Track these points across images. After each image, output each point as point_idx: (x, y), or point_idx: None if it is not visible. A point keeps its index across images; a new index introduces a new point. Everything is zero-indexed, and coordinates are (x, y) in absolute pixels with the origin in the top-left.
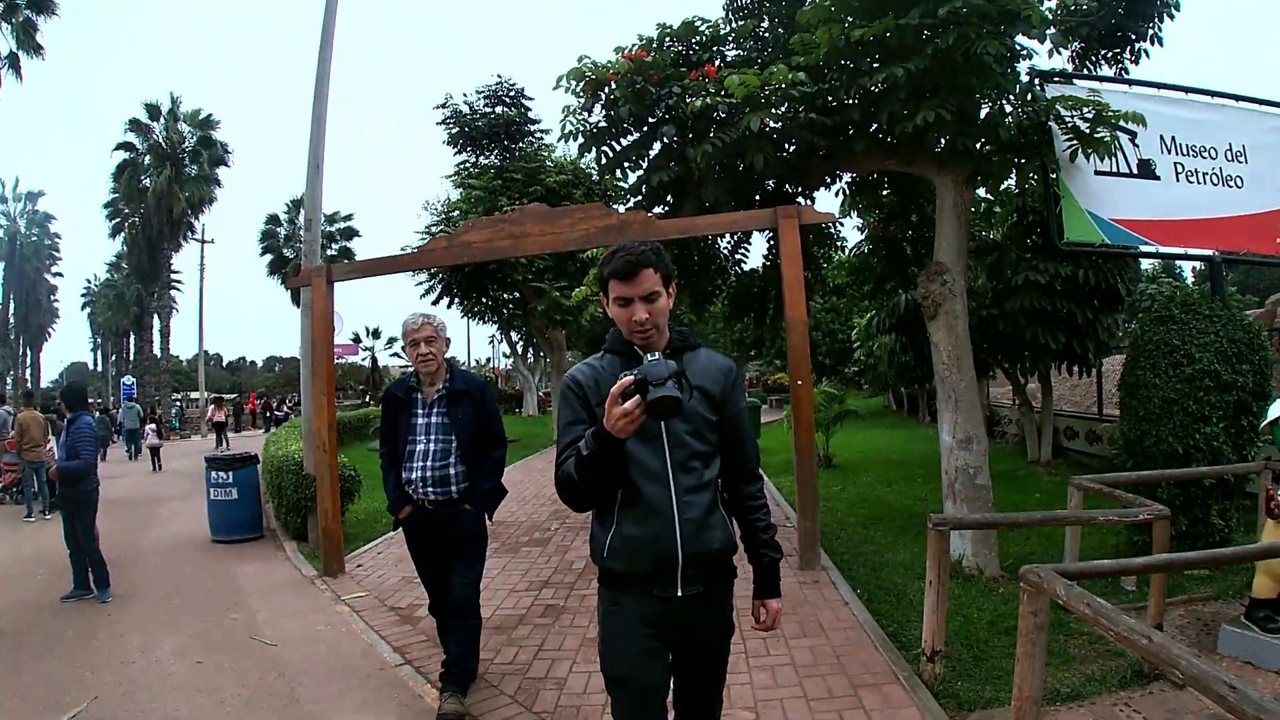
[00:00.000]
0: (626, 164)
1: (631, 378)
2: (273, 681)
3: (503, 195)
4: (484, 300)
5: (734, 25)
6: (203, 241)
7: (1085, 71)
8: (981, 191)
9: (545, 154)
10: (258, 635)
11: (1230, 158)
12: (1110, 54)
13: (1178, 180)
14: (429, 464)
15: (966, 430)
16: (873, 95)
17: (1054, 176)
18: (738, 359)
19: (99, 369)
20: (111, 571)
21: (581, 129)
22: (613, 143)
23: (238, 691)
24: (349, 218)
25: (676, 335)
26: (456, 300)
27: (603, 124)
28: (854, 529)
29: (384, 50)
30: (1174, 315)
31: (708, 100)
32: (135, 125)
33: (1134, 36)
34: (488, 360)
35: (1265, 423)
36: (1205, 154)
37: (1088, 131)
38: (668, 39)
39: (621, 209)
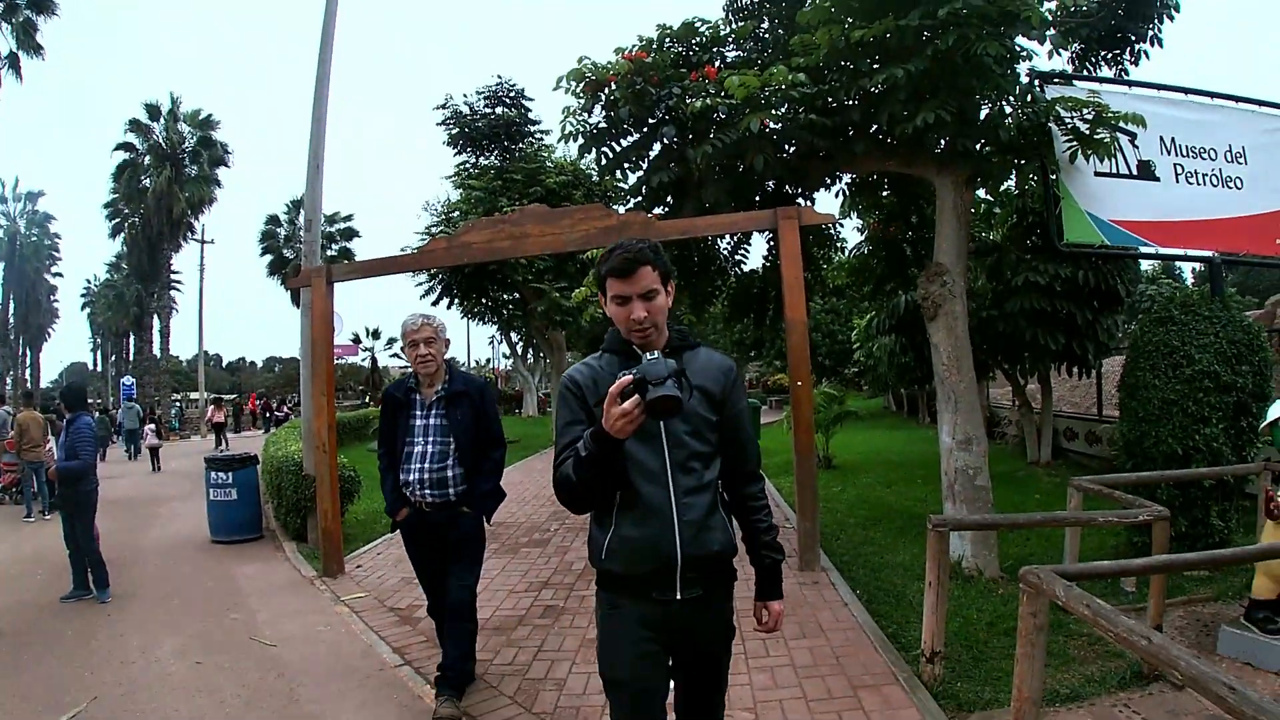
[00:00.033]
0: (626, 165)
1: (630, 377)
2: (272, 682)
3: (503, 196)
4: (484, 301)
5: (734, 26)
6: (202, 242)
7: (1085, 73)
8: (981, 193)
9: (545, 155)
10: (257, 636)
11: (1230, 159)
12: (1110, 55)
13: (1177, 181)
14: (426, 466)
15: (966, 431)
16: (873, 96)
17: (1054, 178)
18: (737, 360)
19: (99, 369)
20: (111, 572)
21: (581, 130)
22: (613, 143)
23: (237, 692)
24: (349, 218)
25: (676, 334)
26: (456, 301)
27: (603, 125)
28: (854, 530)
29: (384, 50)
30: (1174, 316)
31: (708, 101)
32: (135, 125)
33: (1134, 38)
34: (487, 361)
35: (1265, 424)
36: (1205, 155)
37: (1087, 133)
38: (668, 40)
39: (621, 210)
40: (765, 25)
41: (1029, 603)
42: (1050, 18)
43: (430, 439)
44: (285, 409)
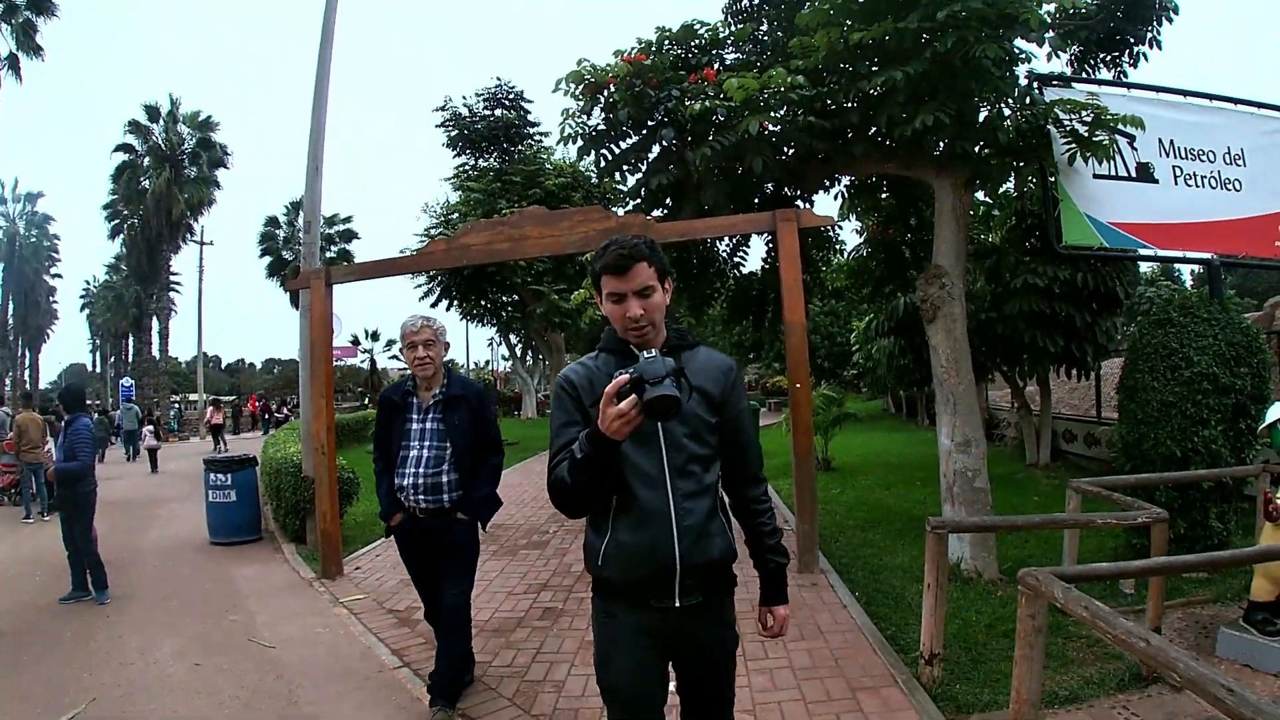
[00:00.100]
0: (625, 167)
1: (626, 376)
2: (271, 683)
3: (502, 198)
4: (483, 303)
5: (733, 29)
6: (202, 243)
7: (1084, 75)
8: (980, 195)
9: (544, 157)
10: (256, 637)
11: (1228, 161)
12: (1109, 57)
13: (1176, 183)
14: (421, 470)
15: (965, 433)
16: (871, 99)
17: (1052, 180)
18: (737, 362)
19: (98, 370)
20: (110, 573)
21: (581, 132)
22: (612, 146)
23: (236, 693)
24: (348, 220)
25: (674, 333)
26: (455, 303)
27: (602, 127)
28: (852, 532)
29: (384, 50)
30: (1172, 318)
31: (707, 103)
32: (134, 127)
33: (1133, 40)
34: (486, 363)
35: (1263, 425)
36: (1203, 157)
37: (1086, 135)
38: (667, 42)
39: (620, 212)
40: (764, 28)
41: (1028, 605)
42: (1049, 20)
43: (426, 443)
44: (285, 410)
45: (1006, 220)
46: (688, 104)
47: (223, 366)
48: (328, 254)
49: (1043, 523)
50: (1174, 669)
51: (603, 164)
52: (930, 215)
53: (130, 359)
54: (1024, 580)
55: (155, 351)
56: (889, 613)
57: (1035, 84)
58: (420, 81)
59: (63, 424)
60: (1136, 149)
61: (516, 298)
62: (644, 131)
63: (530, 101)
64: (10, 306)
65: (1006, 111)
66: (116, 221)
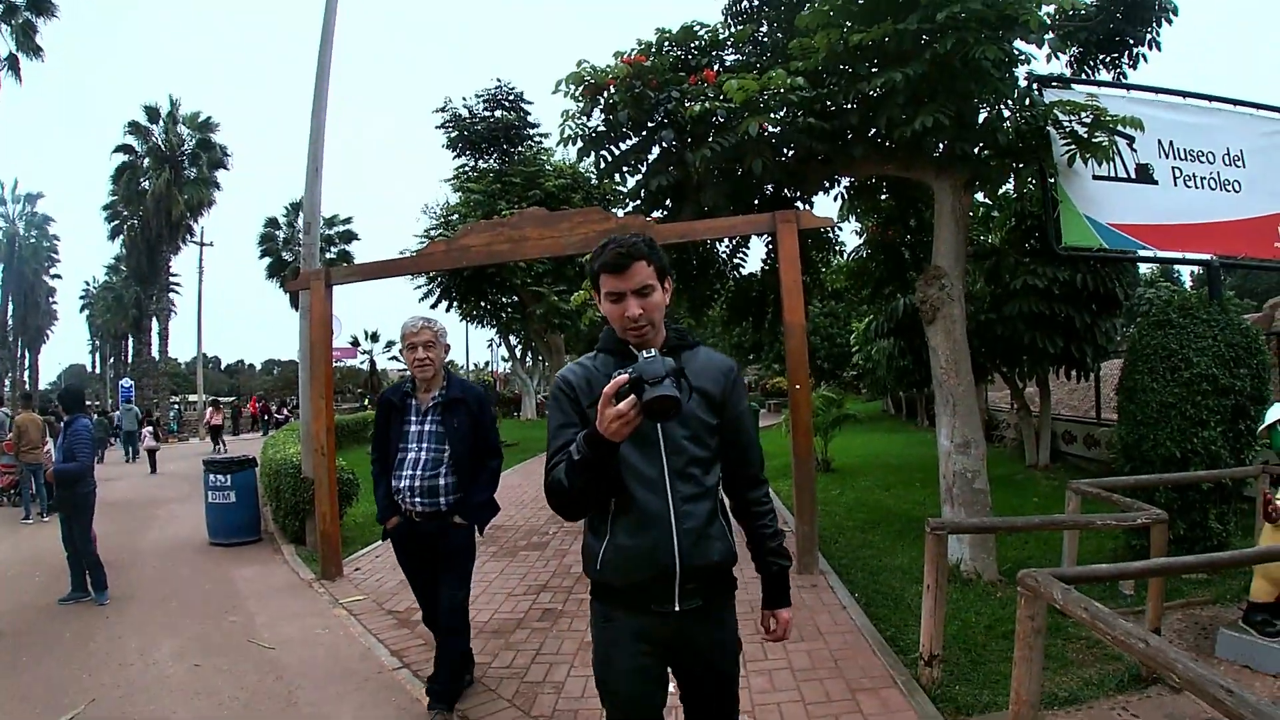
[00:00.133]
0: (625, 168)
1: (625, 376)
2: (271, 684)
3: (501, 199)
4: (482, 304)
5: (733, 30)
6: (201, 244)
7: (1083, 76)
8: (980, 196)
9: (544, 158)
10: (256, 638)
11: (1228, 162)
12: (1108, 58)
13: (1175, 184)
14: (418, 473)
15: (964, 434)
16: (871, 100)
17: (1052, 181)
18: (736, 363)
19: (97, 371)
20: (109, 574)
21: (580, 133)
22: (611, 147)
23: (236, 694)
24: (348, 220)
25: (674, 333)
26: (455, 304)
27: (601, 128)
28: (852, 533)
29: (384, 50)
30: (1172, 320)
31: (706, 105)
32: (134, 128)
33: (1132, 41)
34: (486, 364)
35: (1263, 427)
36: (1203, 158)
37: (1086, 136)
38: (666, 44)
39: (620, 213)
40: (764, 29)
41: (1027, 606)
42: (1049, 21)
43: (424, 445)
44: (284, 411)
45: (1006, 221)
46: (687, 105)
47: (222, 367)
48: (327, 255)
49: (1042, 524)
50: (1173, 670)
51: (602, 165)
52: (930, 216)
53: (130, 360)
54: (1023, 581)
55: (155, 352)
56: (888, 614)
57: (1035, 85)
58: (420, 81)
59: (62, 425)
60: (1136, 150)
61: (516, 299)
62: (644, 133)
63: (530, 103)
64: (10, 307)
65: (1006, 113)
66: (116, 222)
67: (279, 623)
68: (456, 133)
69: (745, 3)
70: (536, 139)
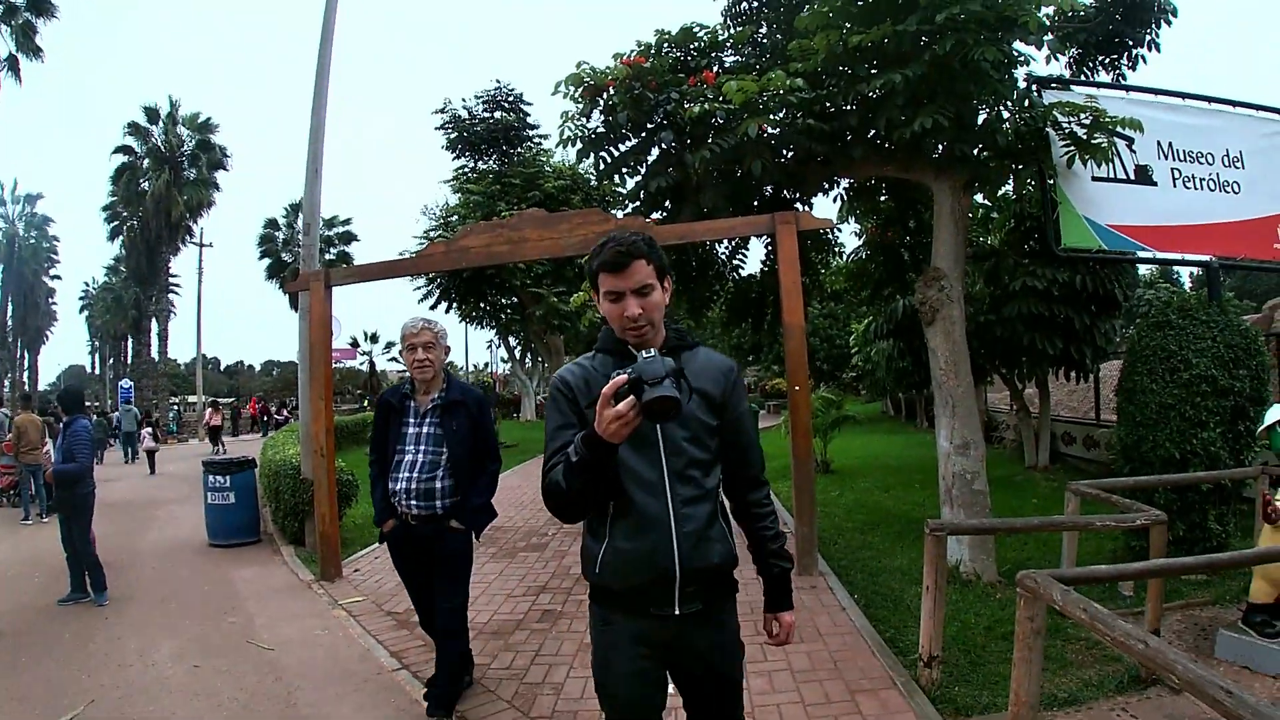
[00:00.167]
0: (625, 169)
1: (624, 376)
2: (270, 685)
3: (501, 200)
4: (482, 305)
5: (732, 31)
6: (201, 245)
7: (1083, 77)
8: (979, 197)
9: (544, 159)
10: (255, 639)
11: (1227, 163)
12: (1108, 60)
13: (1175, 186)
14: (415, 475)
15: (964, 435)
16: (870, 101)
17: (1051, 182)
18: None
19: (97, 372)
20: (109, 575)
21: (580, 134)
22: (611, 148)
23: (235, 695)
24: (348, 221)
25: (674, 333)
26: (455, 305)
27: (601, 130)
28: (851, 534)
29: (384, 50)
30: (1171, 321)
31: (706, 106)
32: (134, 129)
33: (1131, 42)
34: (485, 365)
35: (1262, 428)
36: (1202, 159)
37: (1085, 137)
38: (666, 45)
39: (619, 214)
40: (763, 30)
41: (1026, 607)
42: (1048, 23)
43: (421, 447)
44: (284, 412)
45: (1005, 223)
46: (687, 107)
47: (222, 368)
48: (327, 256)
49: (1041, 525)
50: (1173, 671)
51: (602, 166)
52: (929, 218)
53: (129, 361)
54: (1023, 582)
55: (154, 353)
56: (888, 615)
57: (1034, 86)
58: (420, 82)
59: (61, 425)
60: (1135, 151)
61: (516, 300)
62: (643, 134)
63: (530, 104)
64: (9, 308)
65: (1005, 114)
66: (116, 223)
67: (278, 624)
68: (456, 134)
69: (745, 4)
70: (536, 140)
